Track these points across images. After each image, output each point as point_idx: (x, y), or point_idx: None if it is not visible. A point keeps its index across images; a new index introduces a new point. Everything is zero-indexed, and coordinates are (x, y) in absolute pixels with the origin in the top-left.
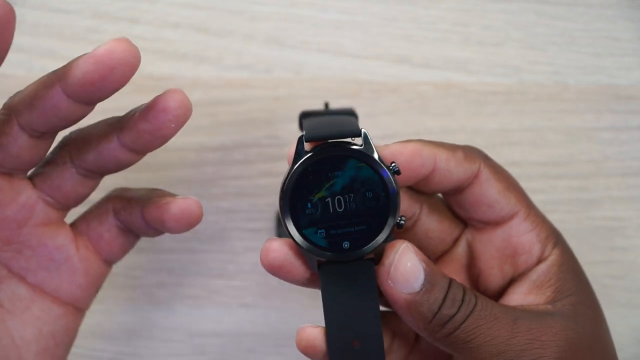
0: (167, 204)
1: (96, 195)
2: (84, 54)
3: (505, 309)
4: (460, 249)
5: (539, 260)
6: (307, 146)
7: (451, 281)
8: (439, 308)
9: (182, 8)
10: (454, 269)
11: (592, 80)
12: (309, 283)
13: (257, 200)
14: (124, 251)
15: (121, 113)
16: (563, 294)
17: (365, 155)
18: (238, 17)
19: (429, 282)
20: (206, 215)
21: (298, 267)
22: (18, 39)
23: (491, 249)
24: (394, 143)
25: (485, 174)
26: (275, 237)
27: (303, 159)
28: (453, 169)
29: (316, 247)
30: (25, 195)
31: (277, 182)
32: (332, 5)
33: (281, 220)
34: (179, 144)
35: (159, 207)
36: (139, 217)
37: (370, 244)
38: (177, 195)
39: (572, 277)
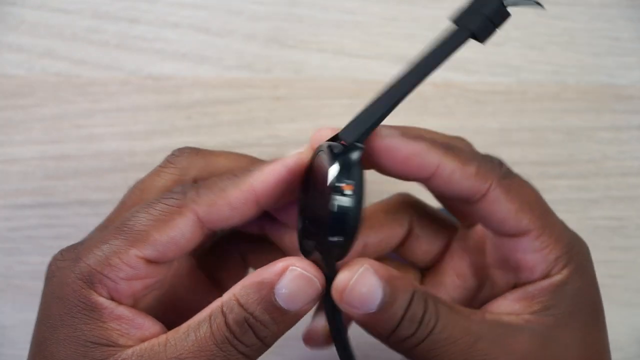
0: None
1: (98, 196)
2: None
3: (468, 328)
4: (477, 232)
5: (543, 278)
6: None
7: (413, 297)
8: (397, 326)
9: (182, 8)
10: (467, 245)
11: (592, 80)
12: None
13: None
14: None
15: (121, 113)
16: (549, 311)
17: None
18: (238, 17)
19: (388, 300)
20: None
21: None
22: (18, 39)
23: (497, 253)
24: (402, 135)
25: (495, 194)
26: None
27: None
28: (457, 182)
29: None
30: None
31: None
32: (332, 5)
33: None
34: (179, 143)
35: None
36: None
37: None
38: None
39: (571, 300)
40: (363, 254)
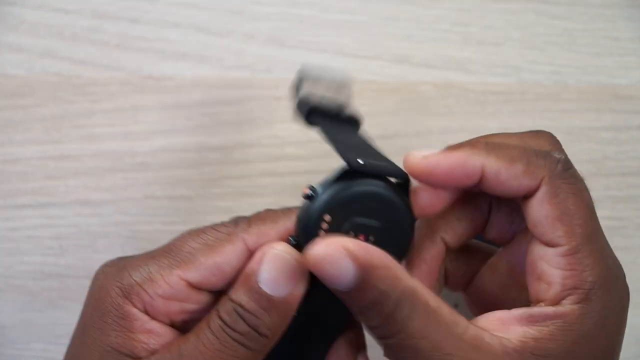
0: None
1: (98, 196)
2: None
3: (439, 342)
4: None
5: (552, 303)
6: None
7: (387, 291)
8: (363, 313)
9: (182, 8)
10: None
11: (592, 80)
12: None
13: (257, 200)
14: None
15: (121, 113)
16: (536, 349)
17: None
18: (238, 17)
19: (360, 284)
20: (206, 215)
21: None
22: (18, 39)
23: (525, 255)
24: (441, 151)
25: (542, 194)
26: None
27: None
28: (504, 182)
29: None
30: None
31: (277, 182)
32: (332, 5)
33: None
34: (179, 144)
35: None
36: None
37: None
38: None
39: (571, 346)
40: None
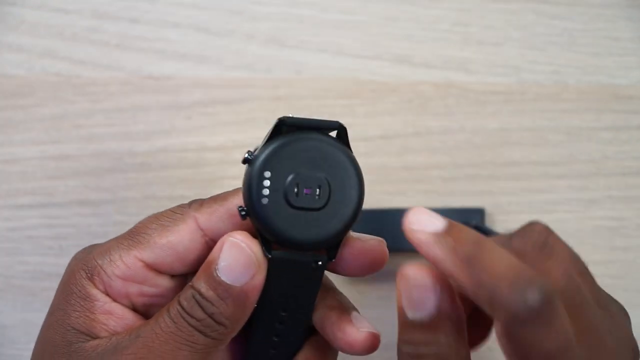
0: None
1: (98, 196)
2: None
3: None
4: None
5: None
6: None
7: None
8: None
9: (182, 8)
10: None
11: (592, 80)
12: None
13: None
14: None
15: (121, 113)
16: None
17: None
18: (238, 17)
19: None
20: None
21: None
22: (18, 39)
23: None
24: (439, 235)
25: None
26: None
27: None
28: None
29: None
30: None
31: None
32: (332, 5)
33: None
34: (179, 144)
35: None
36: None
37: None
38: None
39: None
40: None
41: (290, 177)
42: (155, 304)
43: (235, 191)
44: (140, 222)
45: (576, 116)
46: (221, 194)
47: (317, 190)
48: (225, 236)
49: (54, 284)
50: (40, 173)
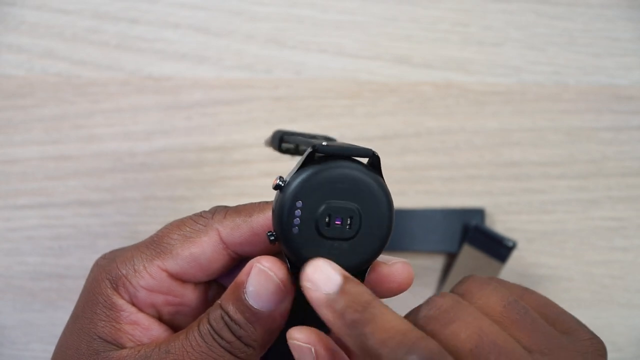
0: None
1: (98, 196)
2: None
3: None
4: None
5: None
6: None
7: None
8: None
9: (182, 8)
10: None
11: (592, 80)
12: None
13: (257, 200)
14: None
15: (121, 113)
16: None
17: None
18: (238, 17)
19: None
20: None
21: None
22: (18, 39)
23: None
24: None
25: None
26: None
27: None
28: None
29: None
30: None
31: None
32: (332, 5)
33: None
34: (179, 144)
35: None
36: None
37: None
38: None
39: None
40: None
41: (322, 208)
42: (181, 312)
43: (259, 206)
44: (162, 230)
45: (576, 116)
46: (245, 206)
47: (349, 220)
48: (253, 261)
49: (54, 284)
50: (40, 173)
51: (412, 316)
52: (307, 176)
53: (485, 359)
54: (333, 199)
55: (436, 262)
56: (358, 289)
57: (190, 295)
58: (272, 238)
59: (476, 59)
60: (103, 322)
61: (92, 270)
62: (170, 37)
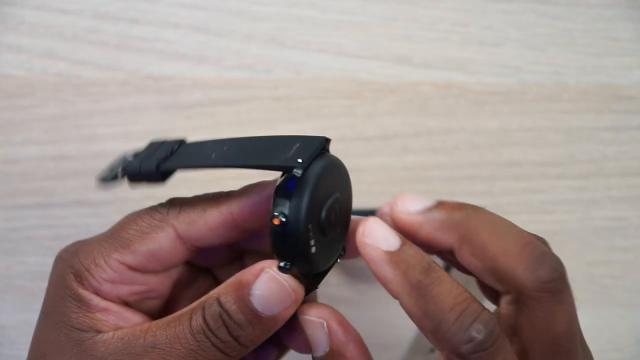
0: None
1: (98, 196)
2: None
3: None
4: None
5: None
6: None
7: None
8: None
9: (182, 8)
10: None
11: (592, 80)
12: None
13: None
14: None
15: (121, 113)
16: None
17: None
18: (238, 17)
19: None
20: None
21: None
22: (18, 39)
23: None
24: (427, 210)
25: (512, 303)
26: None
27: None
28: (477, 273)
29: None
30: None
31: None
32: (332, 5)
33: None
34: None
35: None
36: None
37: None
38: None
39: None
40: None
41: (323, 215)
42: (148, 297)
43: (213, 200)
44: (119, 223)
45: (576, 116)
46: (199, 199)
47: (337, 207)
48: (262, 265)
49: None
50: (40, 173)
51: (519, 274)
52: (307, 200)
53: (563, 347)
54: (327, 200)
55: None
56: (416, 249)
57: (153, 282)
58: (288, 267)
59: (476, 59)
60: (75, 314)
61: (55, 264)
62: (170, 37)
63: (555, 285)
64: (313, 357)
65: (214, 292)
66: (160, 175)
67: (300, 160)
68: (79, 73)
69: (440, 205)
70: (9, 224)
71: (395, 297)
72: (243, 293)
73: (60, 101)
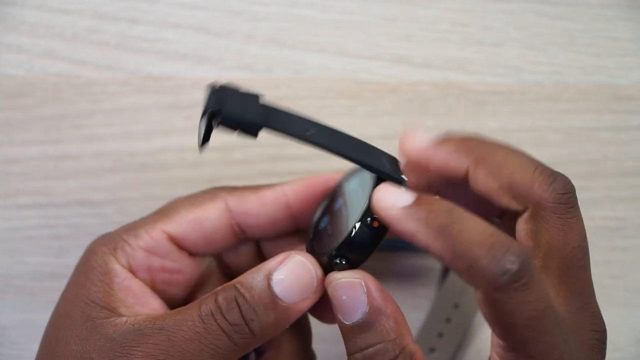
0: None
1: (98, 196)
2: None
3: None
4: None
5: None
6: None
7: None
8: None
9: (182, 8)
10: None
11: (592, 80)
12: None
13: None
14: None
15: (121, 113)
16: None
17: None
18: (238, 17)
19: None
20: None
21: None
22: (18, 39)
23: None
24: (436, 143)
25: (526, 223)
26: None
27: None
28: (490, 197)
29: None
30: None
31: (277, 182)
32: (332, 5)
33: None
34: (179, 144)
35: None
36: None
37: None
38: None
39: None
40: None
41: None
42: (174, 283)
43: (267, 185)
44: (170, 202)
45: (576, 116)
46: (253, 185)
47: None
48: (288, 252)
49: (54, 284)
50: (40, 173)
51: (529, 190)
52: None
53: (578, 261)
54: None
55: (436, 262)
56: (434, 198)
57: (185, 264)
58: (343, 262)
59: (476, 59)
60: (96, 287)
61: (89, 246)
62: (170, 37)
63: (570, 197)
64: (343, 325)
65: (231, 282)
66: (257, 129)
67: (405, 178)
68: (79, 73)
69: (450, 134)
70: (9, 224)
71: (425, 247)
72: (264, 277)
73: (60, 101)
